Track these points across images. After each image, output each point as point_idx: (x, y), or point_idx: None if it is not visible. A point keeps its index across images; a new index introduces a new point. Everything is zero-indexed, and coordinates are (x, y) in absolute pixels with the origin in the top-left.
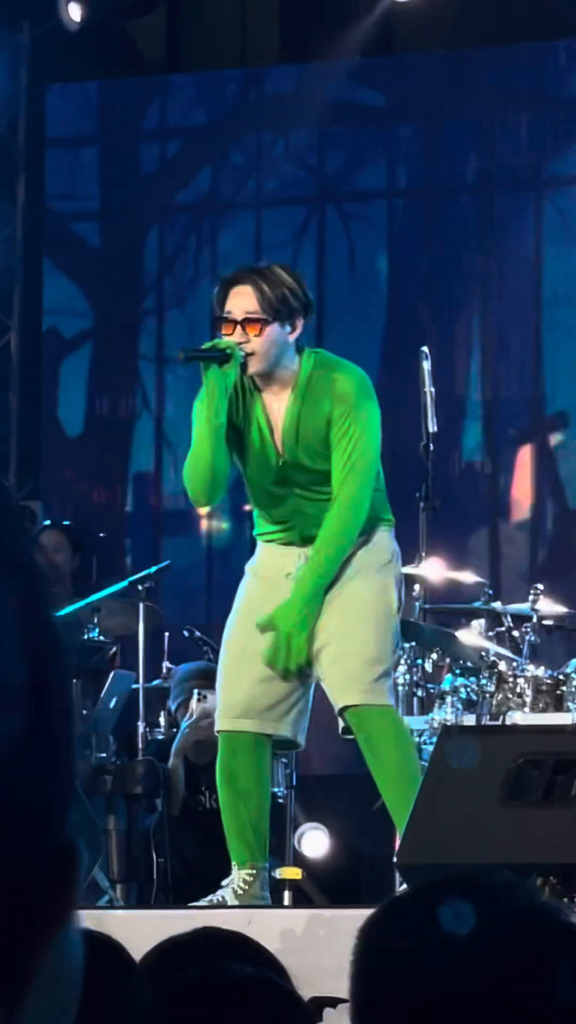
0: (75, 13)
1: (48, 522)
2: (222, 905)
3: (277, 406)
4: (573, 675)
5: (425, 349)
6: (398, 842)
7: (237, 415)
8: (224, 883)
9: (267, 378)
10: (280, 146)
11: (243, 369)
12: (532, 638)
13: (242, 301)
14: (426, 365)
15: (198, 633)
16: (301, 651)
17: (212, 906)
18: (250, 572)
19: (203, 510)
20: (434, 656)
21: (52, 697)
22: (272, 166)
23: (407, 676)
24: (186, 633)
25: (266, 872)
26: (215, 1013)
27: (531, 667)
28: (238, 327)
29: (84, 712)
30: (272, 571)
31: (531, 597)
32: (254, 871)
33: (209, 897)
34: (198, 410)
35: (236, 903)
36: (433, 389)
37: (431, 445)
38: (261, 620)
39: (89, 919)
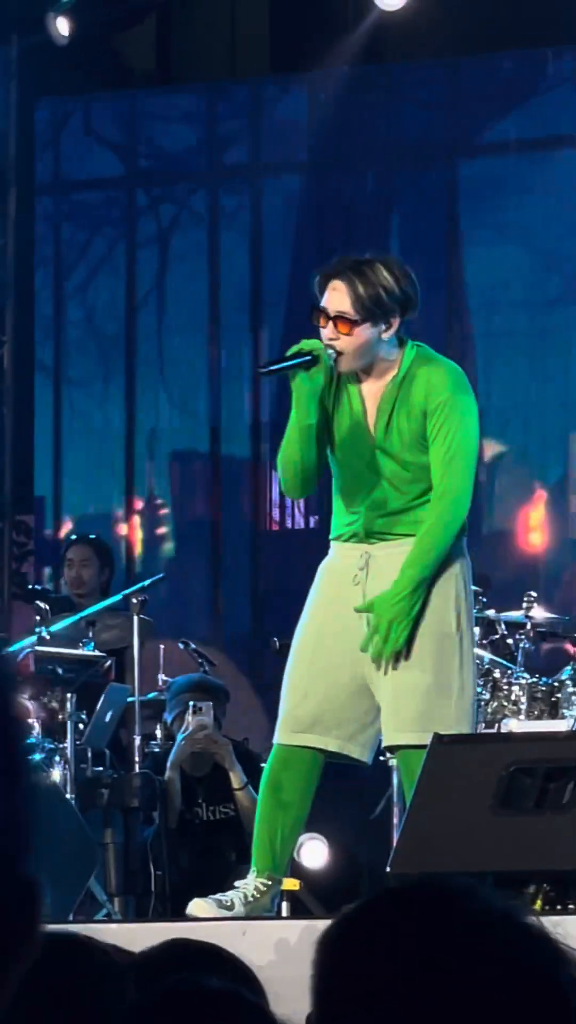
0: (63, 27)
1: (75, 536)
2: (228, 909)
3: (374, 393)
4: (568, 682)
5: None
6: None
7: (331, 400)
8: (237, 884)
9: (364, 369)
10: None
11: (335, 365)
12: (526, 645)
13: (336, 298)
14: None
15: (193, 645)
16: (399, 640)
17: (211, 919)
18: (320, 577)
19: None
20: None
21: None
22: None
23: None
24: (181, 645)
25: (279, 886)
26: None
27: (526, 675)
28: (331, 322)
29: (80, 726)
30: (338, 577)
31: (524, 605)
32: (270, 882)
33: (219, 896)
34: (294, 408)
35: (243, 910)
36: None
37: None
38: (361, 606)
39: (88, 933)
